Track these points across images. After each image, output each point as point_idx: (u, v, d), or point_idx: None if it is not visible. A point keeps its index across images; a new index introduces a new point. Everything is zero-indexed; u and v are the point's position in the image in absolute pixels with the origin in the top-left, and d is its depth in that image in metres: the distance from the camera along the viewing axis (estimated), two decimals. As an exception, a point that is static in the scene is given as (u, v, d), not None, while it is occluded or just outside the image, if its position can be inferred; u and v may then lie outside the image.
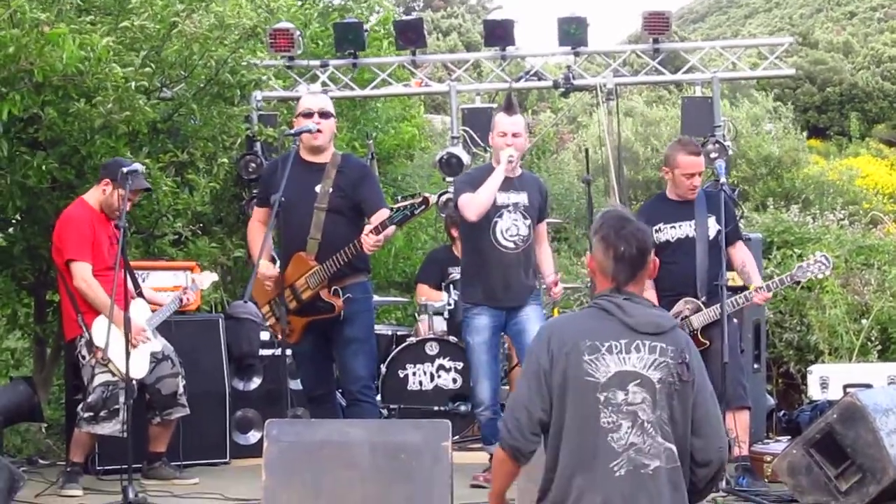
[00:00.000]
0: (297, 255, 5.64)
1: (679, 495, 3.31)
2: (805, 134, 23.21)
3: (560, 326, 3.54)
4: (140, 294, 6.24)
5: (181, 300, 6.31)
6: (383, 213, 5.42)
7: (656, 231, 6.08)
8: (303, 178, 5.63)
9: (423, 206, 5.32)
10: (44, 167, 6.65)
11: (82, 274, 5.93)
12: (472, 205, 5.79)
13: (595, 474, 3.27)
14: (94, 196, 6.15)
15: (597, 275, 3.53)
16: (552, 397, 3.35)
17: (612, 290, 3.45)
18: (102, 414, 5.90)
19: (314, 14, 10.37)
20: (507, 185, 5.86)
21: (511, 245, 5.88)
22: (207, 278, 6.61)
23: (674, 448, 3.31)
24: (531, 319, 5.87)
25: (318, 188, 5.67)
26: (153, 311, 6.24)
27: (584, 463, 3.30)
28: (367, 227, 5.41)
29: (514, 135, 5.87)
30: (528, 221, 5.90)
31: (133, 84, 6.51)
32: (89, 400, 5.91)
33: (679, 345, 3.41)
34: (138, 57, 6.69)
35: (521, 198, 5.92)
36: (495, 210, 5.83)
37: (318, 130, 5.67)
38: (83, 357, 6.00)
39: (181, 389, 6.25)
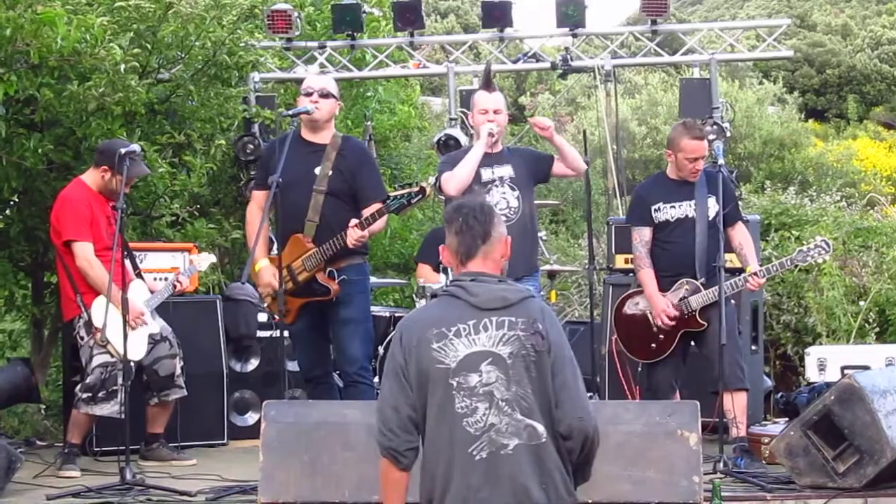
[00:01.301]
0: (295, 236, 5.62)
1: (545, 472, 3.23)
2: (804, 115, 23.25)
3: (411, 320, 3.49)
4: (139, 275, 6.22)
5: (175, 285, 6.28)
6: (375, 208, 5.43)
7: (655, 210, 6.07)
8: (302, 159, 5.61)
9: (420, 196, 5.32)
10: (40, 149, 6.62)
11: (84, 254, 5.91)
12: (453, 179, 5.74)
13: (456, 461, 3.23)
14: (92, 178, 6.11)
15: (450, 262, 3.49)
16: (414, 393, 3.32)
17: (461, 274, 3.42)
18: (101, 395, 5.90)
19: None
20: (490, 160, 5.83)
21: (502, 219, 5.84)
22: (205, 260, 6.59)
23: (535, 424, 3.24)
24: None
25: (317, 170, 5.64)
26: (151, 292, 6.23)
27: (444, 452, 3.26)
28: (353, 221, 5.42)
29: (495, 111, 5.87)
30: (517, 192, 5.84)
31: (123, 66, 6.47)
32: (88, 381, 5.90)
33: (531, 315, 3.33)
34: (125, 38, 6.64)
35: (506, 170, 5.86)
36: (482, 187, 5.76)
37: (316, 109, 5.65)
38: (82, 338, 5.99)
39: (179, 371, 6.25)
